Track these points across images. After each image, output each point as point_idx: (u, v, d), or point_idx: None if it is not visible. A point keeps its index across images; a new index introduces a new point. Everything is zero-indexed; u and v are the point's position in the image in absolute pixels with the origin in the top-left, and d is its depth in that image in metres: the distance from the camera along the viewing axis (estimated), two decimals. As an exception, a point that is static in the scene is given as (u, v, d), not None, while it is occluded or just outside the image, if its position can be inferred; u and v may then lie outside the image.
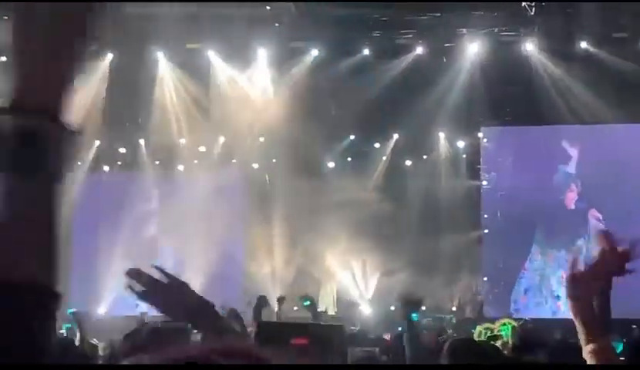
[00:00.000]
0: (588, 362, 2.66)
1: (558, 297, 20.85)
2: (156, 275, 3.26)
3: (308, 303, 10.68)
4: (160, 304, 3.29)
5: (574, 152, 21.55)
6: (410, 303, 7.32)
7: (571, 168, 21.57)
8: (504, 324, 10.87)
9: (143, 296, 3.24)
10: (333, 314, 21.16)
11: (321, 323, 9.98)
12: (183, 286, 3.32)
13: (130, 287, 3.20)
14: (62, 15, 1.37)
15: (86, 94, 21.45)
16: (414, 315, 7.53)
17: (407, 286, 20.80)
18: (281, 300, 18.01)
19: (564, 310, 18.33)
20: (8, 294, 1.31)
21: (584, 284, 2.71)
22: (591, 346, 2.65)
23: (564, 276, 2.78)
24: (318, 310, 20.14)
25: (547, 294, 21.20)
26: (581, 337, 2.69)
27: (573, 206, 21.45)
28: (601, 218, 20.93)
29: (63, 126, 1.36)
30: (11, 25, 1.38)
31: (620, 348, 10.63)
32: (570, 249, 20.39)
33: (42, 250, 1.37)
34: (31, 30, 1.36)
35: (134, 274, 3.23)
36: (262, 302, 12.46)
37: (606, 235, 2.77)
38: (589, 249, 19.52)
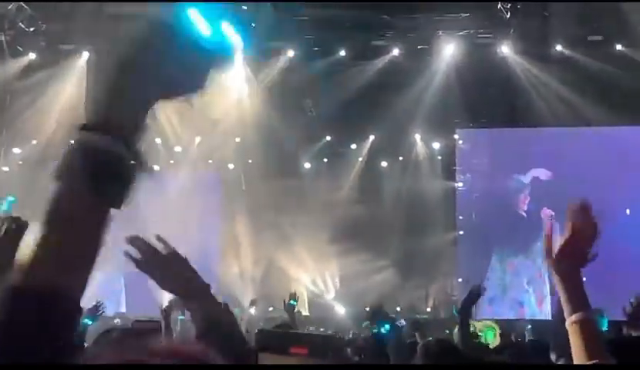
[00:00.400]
0: (570, 334, 2.69)
1: (521, 303, 20.96)
2: (158, 245, 3.22)
3: (294, 303, 10.64)
4: (157, 275, 3.25)
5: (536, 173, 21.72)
6: (376, 314, 7.38)
7: (527, 178, 21.70)
8: (488, 328, 10.87)
9: (140, 264, 3.20)
10: (307, 314, 21.15)
11: (317, 332, 9.96)
12: (183, 261, 3.29)
13: (128, 254, 3.16)
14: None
15: (64, 93, 21.38)
16: (385, 326, 7.58)
17: (381, 287, 20.89)
18: (253, 302, 18.00)
19: (529, 313, 18.31)
20: (38, 298, 1.35)
21: (563, 256, 2.74)
22: (574, 317, 2.68)
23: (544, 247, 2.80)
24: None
25: (510, 302, 21.21)
26: (565, 308, 2.73)
27: (525, 208, 21.54)
28: (553, 215, 21.01)
29: (138, 156, 1.51)
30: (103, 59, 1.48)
31: (605, 323, 10.70)
32: (528, 255, 20.56)
33: (83, 265, 1.42)
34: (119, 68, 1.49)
35: (135, 241, 3.19)
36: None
37: (582, 207, 2.78)
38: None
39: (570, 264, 2.75)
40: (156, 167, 23.16)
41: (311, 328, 17.00)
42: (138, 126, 1.57)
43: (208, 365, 1.11)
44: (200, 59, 1.56)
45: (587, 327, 2.69)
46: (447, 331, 16.56)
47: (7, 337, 1.36)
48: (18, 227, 3.82)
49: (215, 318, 3.17)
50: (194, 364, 1.10)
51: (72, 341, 1.42)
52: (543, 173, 21.66)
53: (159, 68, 1.53)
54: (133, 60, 1.52)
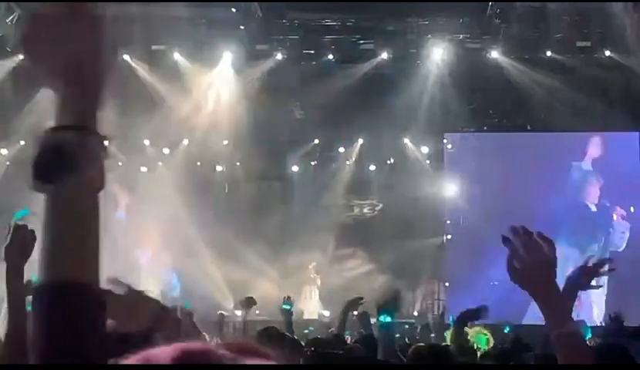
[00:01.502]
0: (557, 347, 2.68)
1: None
2: (112, 287, 3.26)
3: (289, 306, 10.57)
4: (118, 315, 3.28)
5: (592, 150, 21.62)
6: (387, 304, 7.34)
7: (587, 165, 21.66)
8: (479, 334, 10.81)
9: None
10: (309, 317, 21.01)
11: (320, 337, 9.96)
12: (140, 294, 3.34)
13: None
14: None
15: (52, 94, 21.30)
16: (386, 316, 7.54)
17: (367, 290, 20.84)
18: (237, 305, 17.93)
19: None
20: (52, 294, 1.41)
21: (528, 271, 2.73)
22: (557, 331, 2.67)
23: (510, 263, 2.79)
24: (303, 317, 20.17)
25: (498, 307, 21.03)
26: (548, 320, 2.72)
27: (596, 201, 21.51)
28: (624, 214, 21.24)
29: (87, 136, 1.56)
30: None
31: (588, 333, 10.72)
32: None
33: (81, 251, 1.47)
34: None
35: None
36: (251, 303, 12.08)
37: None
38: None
39: (537, 281, 2.74)
40: (143, 169, 23.12)
41: (305, 331, 16.95)
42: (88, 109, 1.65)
43: (206, 365, 1.10)
44: None
45: (573, 339, 2.68)
46: (433, 336, 16.53)
47: (47, 337, 1.43)
48: (20, 236, 3.86)
49: None
50: (195, 365, 1.09)
51: (106, 337, 1.47)
52: (596, 146, 21.59)
53: None
54: None
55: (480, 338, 10.50)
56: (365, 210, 23.60)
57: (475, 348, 9.15)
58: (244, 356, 1.13)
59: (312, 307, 21.89)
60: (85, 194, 1.55)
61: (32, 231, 3.93)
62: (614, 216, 21.21)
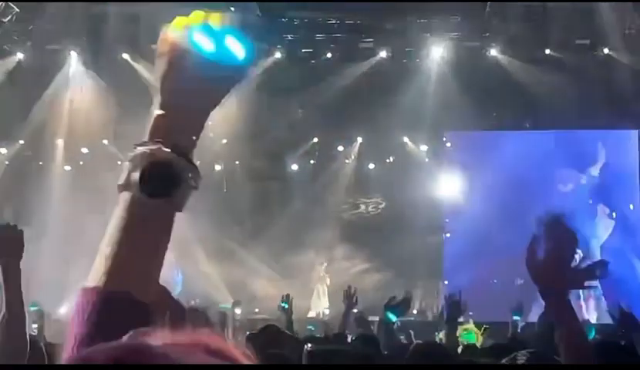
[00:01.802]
0: (560, 346, 2.69)
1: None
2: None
3: (286, 305, 10.57)
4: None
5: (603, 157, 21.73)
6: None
7: (596, 170, 21.76)
8: (466, 330, 10.82)
9: None
10: (312, 315, 21.01)
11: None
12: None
13: None
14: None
15: (52, 93, 21.33)
16: (392, 315, 7.67)
17: (367, 288, 20.84)
18: (236, 303, 17.94)
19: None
20: (123, 303, 1.51)
21: (545, 270, 2.73)
22: (563, 328, 2.68)
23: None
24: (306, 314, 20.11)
25: (497, 304, 21.04)
26: (555, 319, 2.72)
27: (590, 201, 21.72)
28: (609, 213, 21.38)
29: (190, 162, 1.65)
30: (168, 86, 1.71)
31: (592, 333, 10.70)
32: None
33: (155, 271, 1.60)
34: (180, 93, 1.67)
35: None
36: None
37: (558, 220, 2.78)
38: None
39: (552, 278, 2.73)
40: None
41: (309, 327, 16.94)
42: (194, 142, 1.72)
43: (202, 365, 1.08)
44: (211, 77, 1.69)
45: (577, 339, 2.69)
46: (437, 333, 16.54)
47: (86, 338, 1.46)
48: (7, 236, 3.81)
49: None
50: (193, 365, 1.07)
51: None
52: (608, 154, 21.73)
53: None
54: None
55: (469, 335, 10.51)
56: (370, 209, 23.63)
57: (466, 344, 9.18)
58: (191, 353, 1.09)
59: (322, 306, 21.91)
60: (166, 214, 1.65)
61: (19, 230, 3.87)
62: (599, 213, 21.26)
